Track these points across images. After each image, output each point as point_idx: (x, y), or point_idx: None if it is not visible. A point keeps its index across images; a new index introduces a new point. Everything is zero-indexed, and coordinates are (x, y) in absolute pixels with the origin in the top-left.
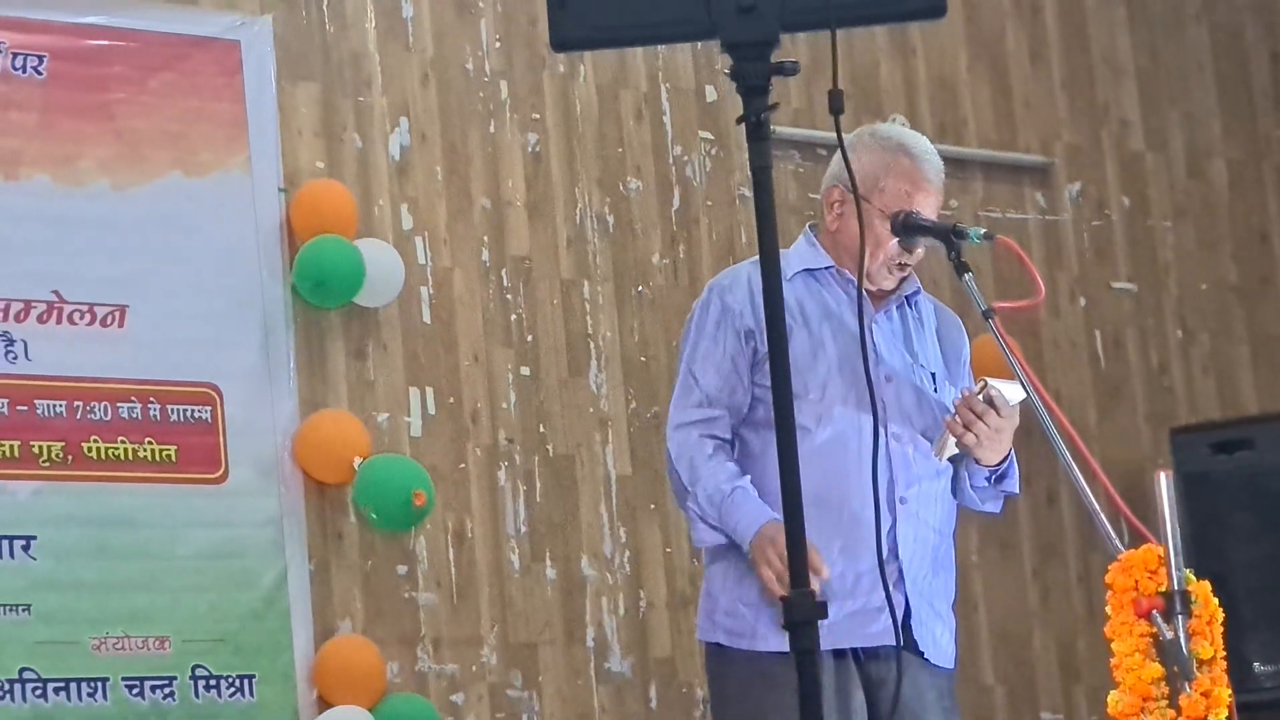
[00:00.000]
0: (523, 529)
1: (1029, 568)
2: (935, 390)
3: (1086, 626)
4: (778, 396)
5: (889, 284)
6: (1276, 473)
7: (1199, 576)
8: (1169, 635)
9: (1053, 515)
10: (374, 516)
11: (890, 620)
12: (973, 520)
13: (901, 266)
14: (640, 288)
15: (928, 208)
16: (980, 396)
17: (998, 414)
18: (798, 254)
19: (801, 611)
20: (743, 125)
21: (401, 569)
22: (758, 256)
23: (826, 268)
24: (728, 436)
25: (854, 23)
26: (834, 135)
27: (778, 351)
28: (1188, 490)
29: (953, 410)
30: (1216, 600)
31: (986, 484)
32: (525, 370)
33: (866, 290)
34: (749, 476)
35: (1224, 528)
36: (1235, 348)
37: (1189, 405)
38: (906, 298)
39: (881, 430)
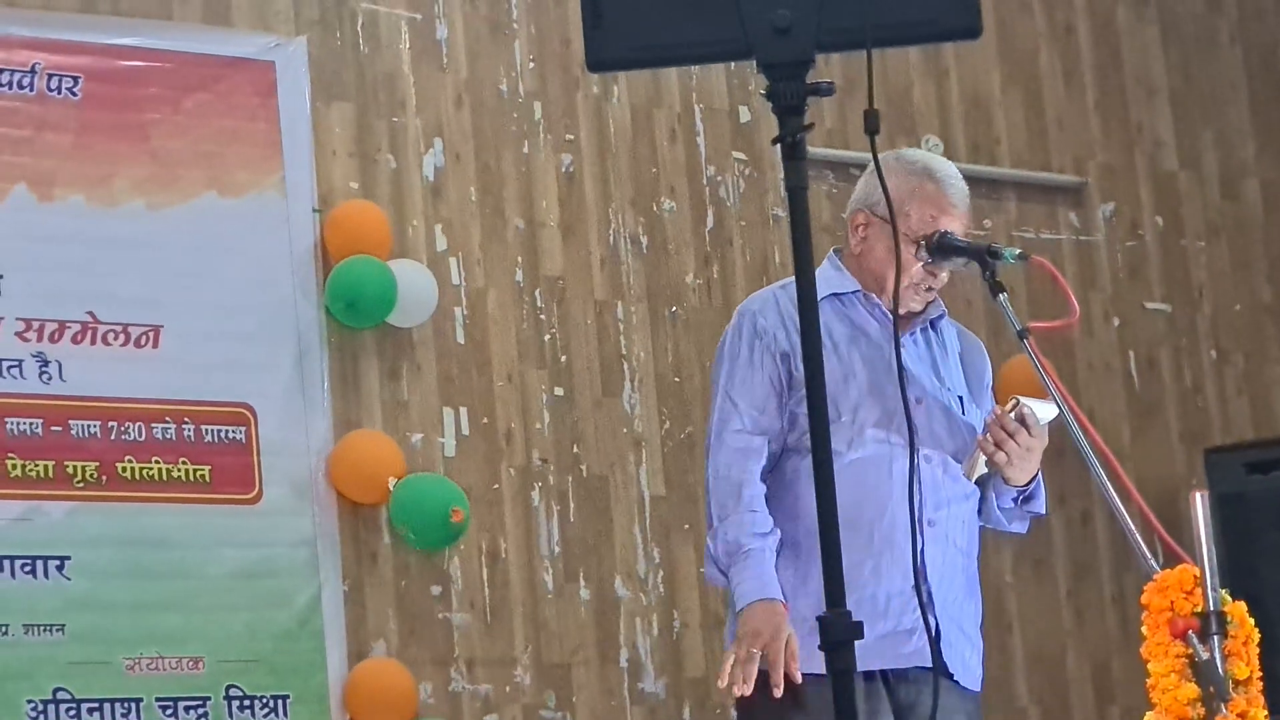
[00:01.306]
0: (556, 549)
1: (1063, 588)
2: (963, 412)
3: (1121, 647)
4: (814, 416)
5: (916, 306)
6: None
7: (1234, 597)
8: (1205, 656)
9: (1087, 535)
10: (411, 536)
11: (922, 641)
12: (1007, 541)
13: (928, 290)
14: (674, 308)
15: (955, 231)
16: (1013, 414)
17: (1029, 432)
18: (824, 278)
19: (839, 631)
20: (778, 145)
21: (436, 589)
22: (786, 280)
23: (853, 292)
24: (768, 465)
25: (890, 43)
26: (867, 155)
27: (814, 370)
28: (1222, 510)
29: (982, 431)
30: (1253, 620)
31: (1014, 504)
32: (559, 390)
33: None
34: (775, 534)
35: (1258, 548)
36: (1269, 368)
37: (1223, 425)
38: (931, 321)
39: (916, 455)
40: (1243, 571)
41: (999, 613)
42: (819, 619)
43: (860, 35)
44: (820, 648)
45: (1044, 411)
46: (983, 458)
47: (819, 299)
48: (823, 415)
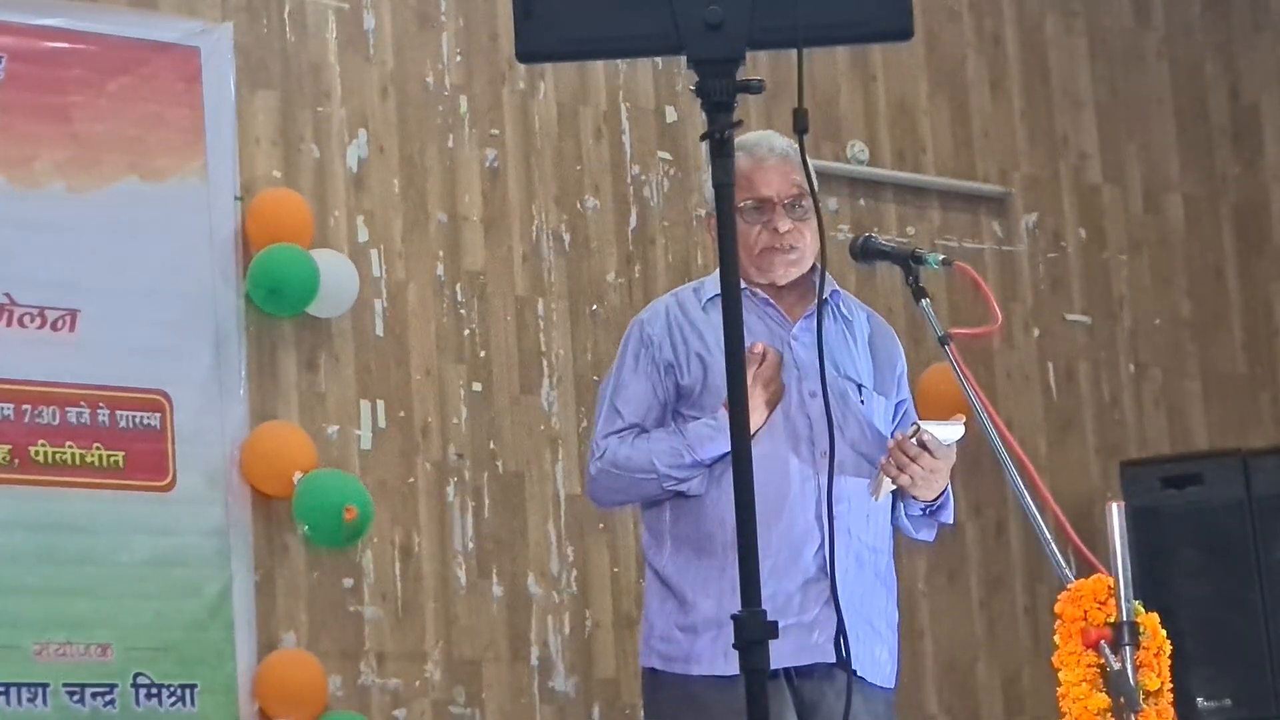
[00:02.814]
0: (470, 545)
1: (976, 598)
2: (862, 402)
3: (1032, 658)
4: (734, 413)
5: (786, 269)
6: (1225, 509)
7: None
8: (1116, 666)
9: (1001, 546)
10: (308, 532)
11: (824, 637)
12: (921, 550)
13: (786, 251)
14: (595, 306)
15: (774, 183)
16: (914, 440)
17: (932, 456)
18: (714, 280)
19: (752, 630)
20: (705, 143)
21: (347, 582)
22: (684, 285)
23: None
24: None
25: (822, 42)
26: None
27: (735, 367)
28: (1136, 524)
29: (882, 429)
30: (1165, 633)
31: (921, 514)
32: (477, 386)
33: (784, 304)
34: (691, 484)
35: (1171, 562)
36: (1187, 383)
37: (1139, 439)
38: (830, 305)
39: (810, 449)
40: (1156, 585)
41: (911, 621)
42: (734, 617)
43: (792, 34)
44: (734, 645)
45: (948, 433)
46: (887, 480)
47: (704, 302)
48: (742, 412)
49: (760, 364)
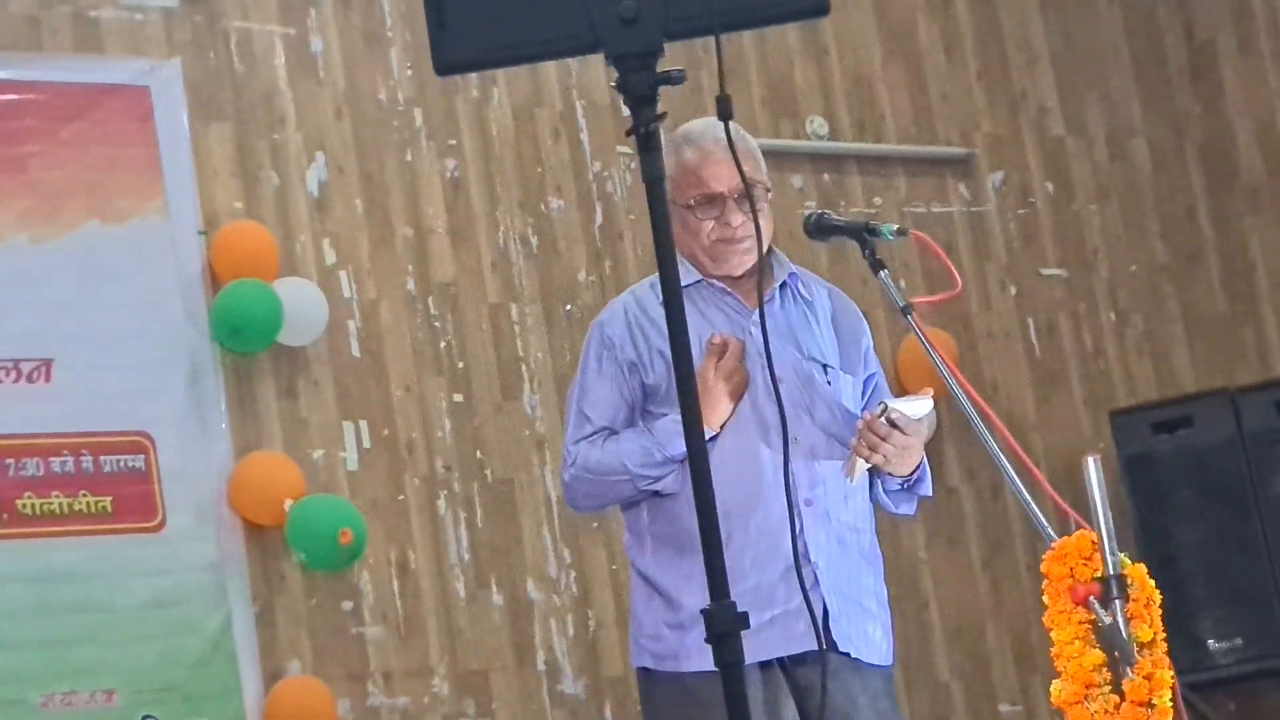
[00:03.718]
0: (466, 557)
1: (978, 561)
2: (829, 383)
3: (1038, 616)
4: (686, 409)
5: (735, 266)
6: (1217, 449)
7: (1147, 558)
8: (1107, 620)
9: (998, 507)
10: (304, 559)
11: (806, 626)
12: (919, 517)
13: (738, 242)
14: (569, 306)
15: (725, 176)
16: (882, 420)
17: (902, 433)
18: None
19: (723, 623)
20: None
21: (347, 605)
22: (639, 283)
23: (696, 282)
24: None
25: (738, 26)
26: (757, 142)
27: (682, 360)
28: (1131, 472)
29: (851, 408)
30: (1154, 582)
31: (899, 489)
32: (458, 397)
33: (742, 292)
34: (665, 481)
35: (1169, 508)
36: (1169, 327)
37: (1126, 387)
38: (790, 288)
39: (780, 437)
40: (1156, 532)
41: (915, 590)
42: (703, 612)
43: (707, 21)
44: (706, 640)
45: (916, 409)
46: (860, 460)
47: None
48: (694, 407)
49: (721, 355)
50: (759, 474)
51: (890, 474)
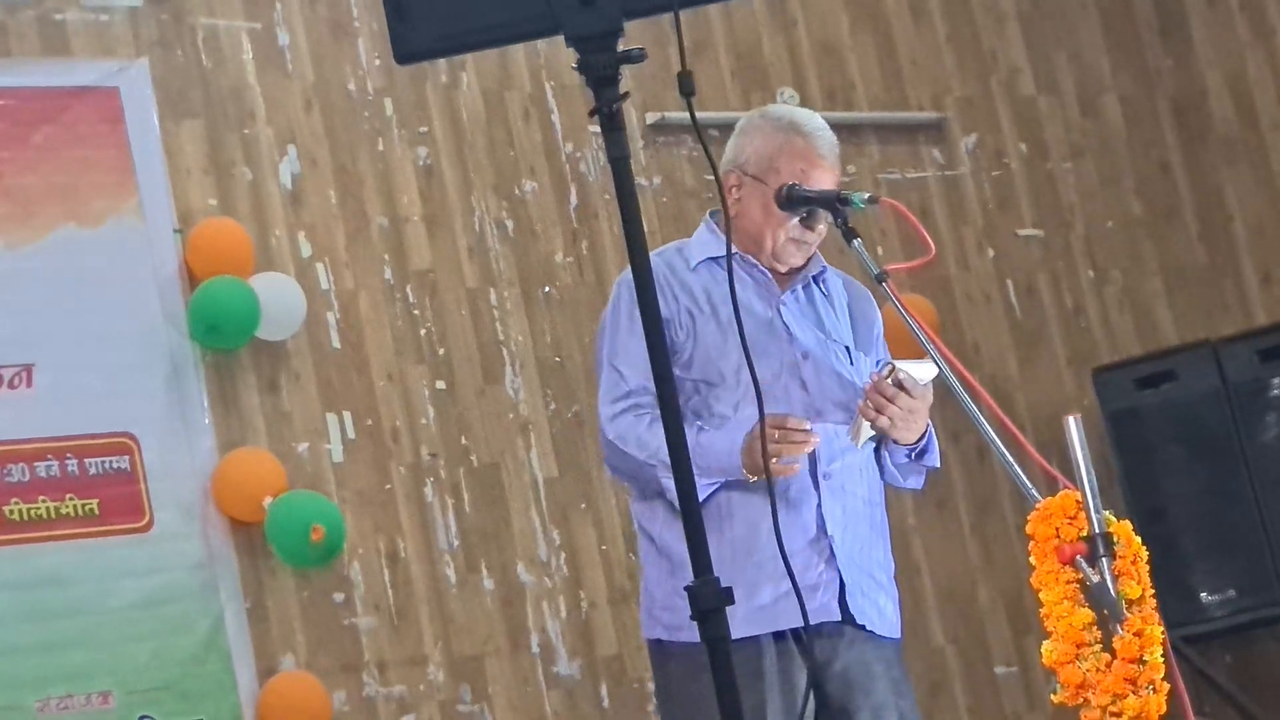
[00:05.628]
0: (455, 543)
1: (967, 524)
2: (852, 363)
3: (1030, 577)
4: (660, 380)
5: (797, 261)
6: (1202, 401)
7: (1136, 514)
8: (1095, 579)
9: (985, 470)
10: (280, 556)
11: (828, 596)
12: None
13: (807, 245)
14: (547, 288)
15: (825, 183)
16: (889, 380)
17: (909, 395)
18: (700, 243)
19: (706, 600)
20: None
21: (338, 596)
22: (662, 247)
23: (732, 254)
24: (656, 415)
25: (696, 2)
26: (726, 115)
27: (654, 335)
28: (1116, 429)
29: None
30: (1144, 538)
31: (907, 460)
32: (440, 384)
33: (774, 270)
34: (697, 423)
35: (1156, 462)
36: (1148, 281)
37: (1109, 344)
38: (813, 277)
39: (801, 411)
40: (1144, 487)
41: (906, 556)
42: (687, 589)
43: None
44: (691, 617)
45: (922, 371)
46: (867, 424)
47: (695, 264)
48: (668, 380)
49: (780, 430)
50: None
51: (896, 441)
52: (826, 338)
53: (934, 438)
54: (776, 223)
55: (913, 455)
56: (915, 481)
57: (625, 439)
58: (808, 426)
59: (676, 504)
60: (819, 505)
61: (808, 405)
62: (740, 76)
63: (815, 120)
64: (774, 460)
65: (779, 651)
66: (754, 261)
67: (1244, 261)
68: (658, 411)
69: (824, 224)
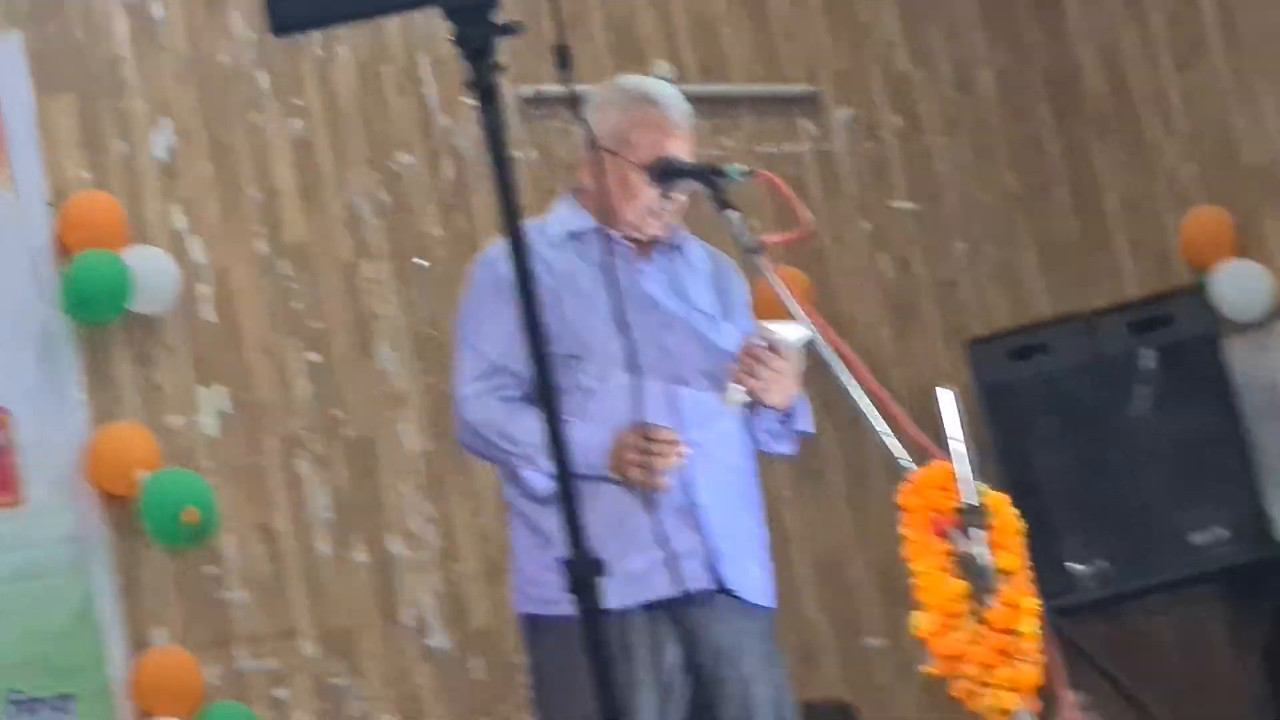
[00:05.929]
0: (329, 516)
1: (839, 495)
2: (714, 330)
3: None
4: (536, 355)
5: (656, 230)
6: (1074, 375)
7: (1010, 486)
8: (968, 550)
9: (857, 438)
10: (153, 534)
11: (695, 562)
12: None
13: (664, 214)
14: (423, 262)
15: (681, 152)
16: (761, 342)
17: (780, 356)
18: (559, 218)
19: (581, 569)
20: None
21: (211, 571)
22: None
23: (591, 229)
24: (518, 396)
25: None
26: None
27: (529, 308)
28: (989, 401)
29: (733, 353)
30: (1019, 510)
31: (778, 425)
32: (315, 356)
33: (633, 240)
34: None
35: (1029, 435)
36: (1021, 255)
37: (982, 317)
38: (674, 246)
39: (662, 378)
40: (1016, 459)
41: (777, 527)
42: (561, 560)
43: None
44: (567, 589)
45: (793, 334)
46: (738, 386)
47: (555, 239)
48: (544, 354)
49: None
50: (641, 414)
51: (769, 406)
52: (690, 306)
53: (806, 403)
54: (630, 193)
55: (783, 419)
56: (786, 446)
57: (486, 425)
58: (675, 438)
59: (539, 489)
60: (687, 472)
61: (671, 373)
62: (615, 50)
63: (668, 89)
64: (638, 471)
65: (651, 620)
66: (615, 236)
67: (1116, 235)
68: (517, 392)
69: (684, 195)
